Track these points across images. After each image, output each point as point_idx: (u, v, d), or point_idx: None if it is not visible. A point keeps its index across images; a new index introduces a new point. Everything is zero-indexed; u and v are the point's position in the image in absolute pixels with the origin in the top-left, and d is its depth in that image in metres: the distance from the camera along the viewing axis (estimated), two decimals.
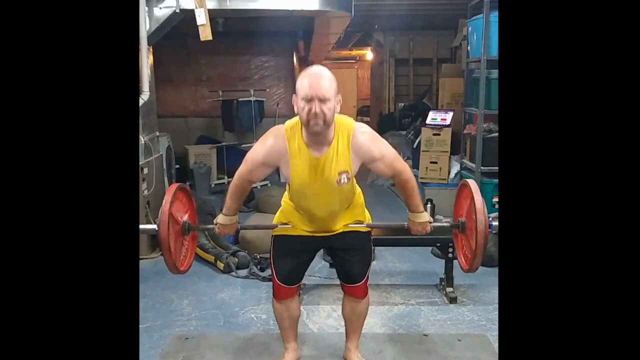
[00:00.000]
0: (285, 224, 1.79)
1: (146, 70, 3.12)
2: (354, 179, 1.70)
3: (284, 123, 1.63)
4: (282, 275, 1.80)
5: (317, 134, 1.51)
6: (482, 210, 1.58)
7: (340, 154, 1.56)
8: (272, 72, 6.19)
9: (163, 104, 5.24)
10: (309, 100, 1.46)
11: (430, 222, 1.75)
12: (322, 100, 1.46)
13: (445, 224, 1.93)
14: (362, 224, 1.80)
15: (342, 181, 1.59)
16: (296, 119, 1.58)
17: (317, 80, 1.48)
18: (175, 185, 1.73)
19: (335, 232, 1.78)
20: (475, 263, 1.65)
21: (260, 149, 1.61)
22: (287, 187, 1.80)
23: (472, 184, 1.68)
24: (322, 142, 1.56)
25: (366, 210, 1.86)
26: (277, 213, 1.86)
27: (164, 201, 1.64)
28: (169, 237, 1.62)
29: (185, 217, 1.78)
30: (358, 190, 1.81)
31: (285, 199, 1.83)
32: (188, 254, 1.83)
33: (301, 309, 2.41)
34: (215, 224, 1.78)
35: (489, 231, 1.59)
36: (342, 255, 1.81)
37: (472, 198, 1.62)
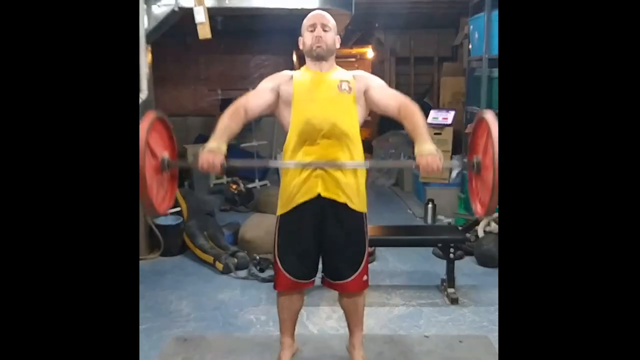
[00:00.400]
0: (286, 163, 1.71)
1: (145, 69, 3.10)
2: (357, 118, 1.70)
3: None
4: (287, 264, 1.72)
5: (320, 57, 1.69)
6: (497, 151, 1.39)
7: (342, 73, 1.74)
8: (272, 70, 6.06)
9: (162, 103, 5.22)
10: (313, 27, 1.67)
11: (440, 158, 1.55)
12: (324, 27, 1.67)
13: (457, 162, 1.75)
14: (364, 162, 1.82)
15: (343, 87, 1.68)
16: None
17: (319, 13, 1.72)
18: (152, 113, 1.55)
19: (334, 197, 1.65)
20: (492, 204, 1.47)
21: (265, 81, 1.77)
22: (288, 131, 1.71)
23: (490, 116, 1.48)
24: (326, 66, 1.73)
25: (364, 194, 1.78)
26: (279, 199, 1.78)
27: (139, 129, 1.44)
28: (146, 171, 1.44)
29: (165, 154, 1.61)
30: (360, 142, 1.73)
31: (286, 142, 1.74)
32: (167, 194, 1.66)
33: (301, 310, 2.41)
34: (201, 154, 1.58)
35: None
36: (335, 248, 1.73)
37: (489, 132, 1.45)
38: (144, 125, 1.49)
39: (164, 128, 1.66)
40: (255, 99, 1.70)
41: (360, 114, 1.73)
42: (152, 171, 1.52)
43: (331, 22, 1.71)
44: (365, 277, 1.80)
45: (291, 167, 1.70)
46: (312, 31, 1.67)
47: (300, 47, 1.75)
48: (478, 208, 1.65)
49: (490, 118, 1.46)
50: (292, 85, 1.70)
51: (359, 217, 1.75)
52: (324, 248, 1.76)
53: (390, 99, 1.69)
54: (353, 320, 1.92)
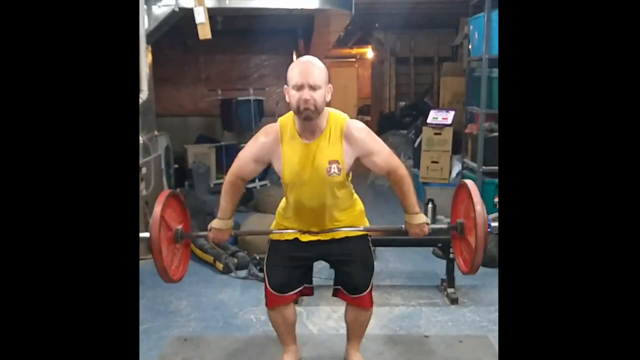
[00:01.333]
0: (282, 230, 1.75)
1: (145, 69, 3.10)
2: (349, 181, 1.68)
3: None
4: (274, 282, 1.74)
5: (309, 119, 1.53)
6: (482, 218, 1.54)
7: (331, 143, 1.58)
8: (272, 71, 6.17)
9: (162, 103, 5.23)
10: (300, 87, 1.49)
11: (427, 224, 1.71)
12: (313, 87, 1.49)
13: (443, 226, 1.89)
14: (358, 226, 1.74)
15: (332, 171, 1.58)
16: (290, 113, 1.60)
17: (307, 68, 1.51)
18: (166, 192, 1.70)
19: (331, 238, 1.71)
20: (474, 265, 1.61)
21: (251, 146, 1.65)
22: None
23: (470, 184, 1.64)
24: (314, 130, 1.57)
25: (365, 219, 1.80)
26: (274, 219, 1.82)
27: (155, 205, 1.61)
28: (161, 242, 1.58)
29: (179, 227, 1.74)
30: (355, 197, 1.77)
31: (281, 205, 1.79)
32: (181, 263, 1.78)
33: (301, 309, 2.41)
34: (210, 230, 1.74)
35: (488, 232, 1.57)
36: (342, 267, 1.76)
37: (471, 199, 1.59)
38: (159, 201, 1.62)
39: (177, 203, 1.78)
40: (247, 171, 1.66)
41: (351, 173, 1.67)
42: (166, 242, 1.66)
43: (322, 76, 1.51)
44: (372, 292, 1.81)
45: (289, 233, 1.73)
46: (298, 90, 1.49)
47: (286, 99, 1.56)
48: (461, 265, 1.77)
49: (471, 185, 1.63)
50: (280, 159, 1.60)
51: (360, 237, 1.77)
52: (338, 265, 1.77)
53: (381, 164, 1.62)
54: (355, 333, 1.93)
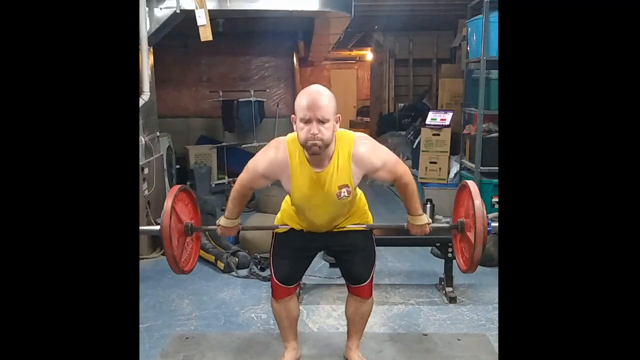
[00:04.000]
0: (287, 225, 1.80)
1: (146, 71, 3.12)
2: (355, 189, 1.72)
3: (285, 135, 1.63)
4: (280, 275, 1.81)
5: (316, 152, 1.49)
6: (481, 212, 1.58)
7: (340, 169, 1.56)
8: (272, 72, 6.20)
9: (163, 105, 5.25)
10: (308, 121, 1.45)
11: (429, 224, 1.75)
12: (321, 121, 1.45)
13: (444, 225, 1.93)
14: (361, 224, 1.80)
15: (342, 195, 1.59)
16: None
17: (315, 100, 1.45)
18: (177, 186, 1.75)
19: (335, 230, 1.77)
20: (473, 264, 1.65)
21: (261, 160, 1.61)
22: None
23: (472, 185, 1.68)
24: (323, 158, 1.56)
25: (368, 212, 1.86)
26: (278, 214, 1.86)
27: (167, 197, 1.68)
28: (171, 232, 1.63)
29: (190, 221, 1.79)
30: (359, 192, 1.81)
31: (286, 201, 1.83)
32: (191, 255, 1.83)
33: (301, 308, 2.43)
34: (218, 226, 1.79)
35: (488, 232, 1.60)
36: (344, 256, 1.82)
37: (471, 199, 1.63)
38: (171, 194, 1.69)
39: (189, 198, 1.84)
40: (256, 182, 1.66)
41: (358, 178, 1.65)
42: (177, 234, 1.71)
43: (330, 108, 1.46)
44: (372, 284, 1.87)
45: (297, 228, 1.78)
46: (306, 124, 1.45)
47: (294, 128, 1.53)
48: (461, 263, 1.81)
49: (471, 184, 1.69)
50: (289, 181, 1.59)
51: (364, 232, 1.82)
52: (340, 255, 1.83)
53: (386, 176, 1.64)
54: (356, 328, 1.97)
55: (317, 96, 1.46)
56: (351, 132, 1.63)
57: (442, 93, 5.15)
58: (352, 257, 1.80)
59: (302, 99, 1.47)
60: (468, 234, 1.70)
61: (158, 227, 1.66)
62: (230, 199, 1.75)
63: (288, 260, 1.80)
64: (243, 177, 1.66)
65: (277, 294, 1.85)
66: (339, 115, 1.53)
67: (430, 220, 1.77)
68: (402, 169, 1.66)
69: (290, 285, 1.83)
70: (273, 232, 1.85)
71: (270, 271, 1.84)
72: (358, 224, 1.79)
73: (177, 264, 1.68)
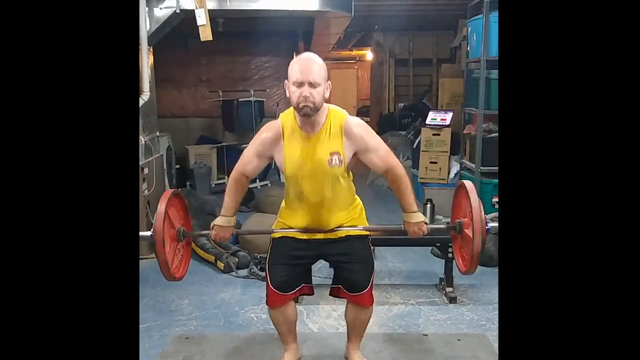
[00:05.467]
0: (283, 229, 1.78)
1: (146, 71, 3.12)
2: (350, 177, 1.71)
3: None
4: (275, 281, 1.76)
5: (308, 116, 1.57)
6: (479, 211, 1.57)
7: (332, 136, 1.62)
8: (272, 72, 6.20)
9: (163, 104, 5.25)
10: (300, 84, 1.53)
11: (426, 223, 1.73)
12: (312, 85, 1.53)
13: (442, 226, 1.91)
14: (358, 226, 1.77)
15: (334, 162, 1.62)
16: (290, 109, 1.65)
17: (307, 65, 1.55)
18: (170, 191, 1.74)
19: (331, 237, 1.74)
20: (472, 264, 1.64)
21: (253, 143, 1.70)
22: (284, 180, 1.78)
23: (469, 184, 1.67)
24: (314, 124, 1.62)
25: (365, 218, 1.83)
26: (277, 217, 1.84)
27: (160, 201, 1.65)
28: (164, 238, 1.61)
29: (182, 227, 1.77)
30: (356, 197, 1.79)
31: (284, 200, 1.82)
32: (182, 262, 1.81)
33: (301, 308, 2.43)
34: (212, 228, 1.77)
35: (486, 232, 1.59)
36: (342, 265, 1.78)
37: (469, 199, 1.62)
38: (163, 198, 1.67)
39: (181, 204, 1.82)
40: (251, 167, 1.71)
41: (352, 168, 1.70)
42: (169, 239, 1.69)
43: (321, 73, 1.55)
44: (372, 291, 1.83)
45: (292, 232, 1.76)
46: (298, 87, 1.53)
47: (286, 94, 1.60)
48: (460, 264, 1.79)
49: (468, 184, 1.66)
50: (282, 152, 1.64)
51: (361, 237, 1.80)
52: (338, 264, 1.79)
53: (378, 162, 1.65)
54: (356, 332, 1.95)
55: (309, 62, 1.56)
56: (344, 110, 1.67)
57: (442, 93, 5.15)
58: (350, 266, 1.76)
59: (295, 65, 1.56)
60: (466, 231, 1.68)
61: (150, 233, 1.62)
62: (226, 192, 1.75)
63: (284, 267, 1.76)
64: (237, 164, 1.72)
65: (272, 301, 1.80)
66: (329, 82, 1.61)
67: (427, 220, 1.75)
68: (395, 160, 1.68)
69: (286, 292, 1.78)
70: (270, 239, 1.82)
71: (266, 278, 1.80)
72: (353, 226, 1.76)
73: (169, 269, 1.66)
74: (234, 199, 1.75)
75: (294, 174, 1.65)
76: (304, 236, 1.75)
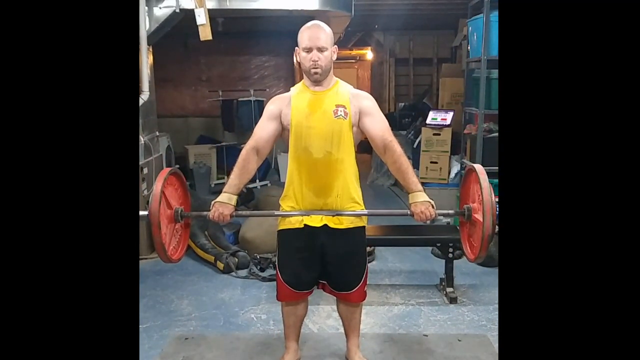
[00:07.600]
0: (287, 212, 1.75)
1: (146, 70, 3.12)
2: (354, 151, 1.73)
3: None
4: (288, 276, 1.79)
5: (317, 79, 1.70)
6: (489, 193, 1.52)
7: (339, 94, 1.73)
8: (272, 72, 6.20)
9: (163, 104, 5.24)
10: (309, 50, 1.66)
11: (432, 206, 1.68)
12: (320, 50, 1.66)
13: (450, 211, 1.86)
14: (361, 209, 1.75)
15: (339, 113, 1.69)
16: (300, 82, 1.78)
17: (315, 32, 1.68)
18: (167, 170, 1.68)
19: (335, 226, 1.73)
20: (483, 249, 1.56)
21: (265, 111, 1.78)
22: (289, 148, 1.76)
23: (479, 167, 1.62)
24: (323, 84, 1.73)
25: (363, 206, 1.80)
26: (279, 203, 1.82)
27: (156, 181, 1.60)
28: (160, 218, 1.55)
29: (179, 207, 1.72)
30: (359, 190, 1.79)
31: (284, 188, 1.80)
32: (180, 243, 1.76)
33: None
34: (212, 205, 1.71)
35: (496, 212, 1.51)
36: (335, 262, 1.78)
37: (479, 182, 1.56)
38: (160, 178, 1.62)
39: (179, 183, 1.77)
40: (262, 134, 1.74)
41: (355, 137, 1.74)
42: (166, 220, 1.64)
43: (328, 39, 1.68)
44: (365, 288, 1.87)
45: (294, 215, 1.75)
46: (308, 52, 1.67)
47: (296, 59, 1.73)
48: (468, 252, 1.73)
49: (480, 171, 1.61)
50: (289, 107, 1.72)
51: (361, 230, 1.81)
52: (327, 260, 1.79)
53: (379, 130, 1.70)
54: (350, 327, 1.97)
55: (316, 29, 1.69)
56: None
57: (442, 92, 5.14)
58: (343, 263, 1.78)
59: (304, 32, 1.68)
60: (475, 215, 1.62)
61: (146, 212, 1.55)
62: (233, 170, 1.75)
63: (296, 262, 1.78)
64: (249, 140, 1.76)
65: (283, 296, 1.83)
66: (335, 46, 1.73)
67: (433, 202, 1.69)
68: (393, 137, 1.71)
69: (301, 290, 1.81)
70: (277, 235, 1.82)
71: (277, 272, 1.82)
72: (354, 210, 1.73)
73: (166, 252, 1.61)
74: (239, 176, 1.74)
75: (300, 122, 1.69)
76: (307, 220, 1.73)
